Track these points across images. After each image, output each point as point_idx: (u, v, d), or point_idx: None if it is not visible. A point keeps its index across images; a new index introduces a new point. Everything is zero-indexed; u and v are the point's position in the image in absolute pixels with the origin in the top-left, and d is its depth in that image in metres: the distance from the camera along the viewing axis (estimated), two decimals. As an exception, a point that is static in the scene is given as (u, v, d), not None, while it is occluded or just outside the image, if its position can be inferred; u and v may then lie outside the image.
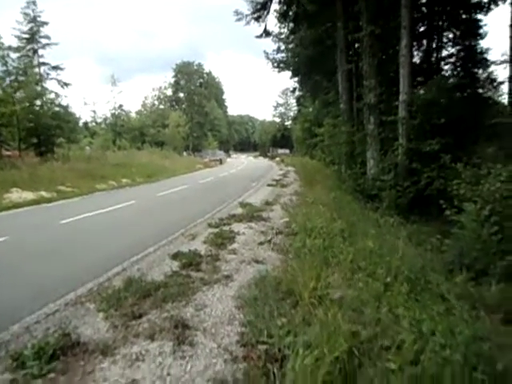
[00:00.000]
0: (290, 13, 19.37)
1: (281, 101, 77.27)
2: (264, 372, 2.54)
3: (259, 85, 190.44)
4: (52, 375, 2.63)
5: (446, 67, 16.74)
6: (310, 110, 39.74)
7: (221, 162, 45.05)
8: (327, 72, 21.10)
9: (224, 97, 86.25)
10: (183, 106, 69.41)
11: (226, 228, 7.23)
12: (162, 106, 68.37)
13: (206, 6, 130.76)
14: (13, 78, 23.71)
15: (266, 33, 20.43)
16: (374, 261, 4.31)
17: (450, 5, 15.53)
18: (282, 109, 77.05)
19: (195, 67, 73.38)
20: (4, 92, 21.66)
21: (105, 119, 51.32)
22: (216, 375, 2.61)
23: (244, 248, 5.86)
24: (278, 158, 49.30)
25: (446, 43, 16.36)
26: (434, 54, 16.37)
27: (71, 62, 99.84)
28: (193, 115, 65.10)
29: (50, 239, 7.64)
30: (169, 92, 72.11)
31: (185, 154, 51.71)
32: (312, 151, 41.17)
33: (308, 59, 22.39)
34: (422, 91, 13.49)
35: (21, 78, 24.23)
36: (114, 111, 50.41)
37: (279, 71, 27.85)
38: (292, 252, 5.31)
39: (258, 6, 18.18)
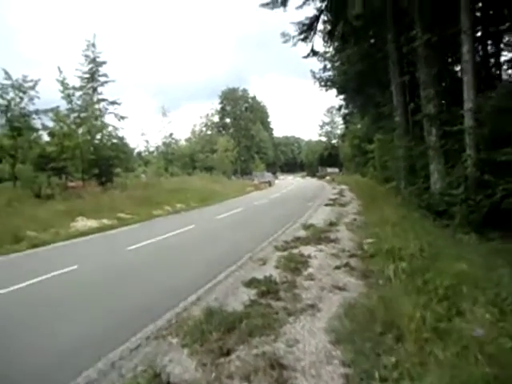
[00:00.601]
0: (336, 32, 19.24)
1: (326, 119, 76.90)
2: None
3: (303, 105, 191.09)
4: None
5: (510, 72, 15.63)
6: (359, 126, 38.97)
7: (270, 183, 44.98)
8: (378, 86, 20.54)
9: (269, 119, 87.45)
10: (230, 130, 71.07)
11: (295, 251, 6.92)
12: (209, 132, 70.49)
13: (249, 33, 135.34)
14: (76, 115, 25.55)
15: (313, 52, 20.41)
16: (479, 285, 3.76)
17: (508, 7, 14.57)
18: (328, 127, 76.55)
19: (240, 93, 75.32)
20: (69, 128, 23.28)
21: (157, 148, 53.70)
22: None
23: (320, 273, 5.50)
24: (328, 177, 48.38)
25: (503, 48, 15.24)
26: (492, 60, 15.32)
27: (126, 95, 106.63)
28: (240, 139, 66.37)
29: (118, 267, 7.76)
30: (215, 118, 74.35)
31: (233, 177, 52.43)
32: (363, 169, 40.14)
33: (357, 75, 21.99)
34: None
35: (83, 115, 26.05)
36: (164, 140, 52.68)
37: (326, 90, 27.72)
38: (374, 277, 4.85)
39: (305, 27, 18.25)
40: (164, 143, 53.21)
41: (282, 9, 16.99)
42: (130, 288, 6.00)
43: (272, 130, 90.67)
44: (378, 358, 2.75)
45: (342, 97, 31.76)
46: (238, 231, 11.46)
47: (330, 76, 26.85)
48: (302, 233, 9.06)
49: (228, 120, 74.00)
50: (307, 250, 7.06)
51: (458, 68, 15.11)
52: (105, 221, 16.36)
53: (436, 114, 13.06)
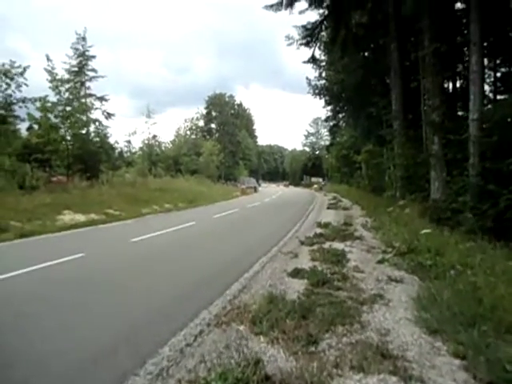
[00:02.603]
0: (338, 39, 19.34)
1: (311, 130, 77.61)
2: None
3: (287, 116, 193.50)
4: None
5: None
6: (345, 138, 39.37)
7: (255, 189, 44.81)
8: (375, 96, 20.68)
9: (254, 127, 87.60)
10: (215, 136, 70.61)
11: (326, 246, 6.61)
12: (193, 136, 69.75)
13: (234, 41, 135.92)
14: (62, 108, 24.58)
15: (313, 59, 20.48)
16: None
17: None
18: (312, 138, 77.23)
19: (227, 98, 75.13)
20: (56, 119, 22.38)
21: (140, 148, 52.55)
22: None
23: (366, 266, 5.21)
24: (315, 186, 48.67)
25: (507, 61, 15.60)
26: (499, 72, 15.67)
27: (109, 95, 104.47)
28: (225, 144, 65.92)
29: (129, 255, 7.47)
30: (201, 123, 73.76)
31: (219, 182, 51.94)
32: (349, 179, 40.51)
33: (353, 84, 22.16)
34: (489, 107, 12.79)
35: (68, 108, 25.11)
36: (148, 141, 51.61)
37: (320, 98, 27.90)
38: (421, 271, 4.60)
39: (307, 32, 18.25)
40: (147, 145, 52.20)
41: (287, 11, 16.88)
42: (156, 277, 5.58)
43: (256, 137, 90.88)
44: (488, 350, 2.47)
45: (329, 108, 32.21)
46: (245, 230, 11.19)
47: (324, 84, 27.03)
48: (321, 230, 8.80)
49: (213, 125, 73.55)
50: (336, 245, 6.80)
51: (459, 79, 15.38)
52: (93, 215, 15.68)
53: (440, 122, 13.15)
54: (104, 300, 4.57)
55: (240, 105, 79.02)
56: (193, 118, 73.00)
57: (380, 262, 5.55)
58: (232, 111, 75.43)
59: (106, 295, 4.77)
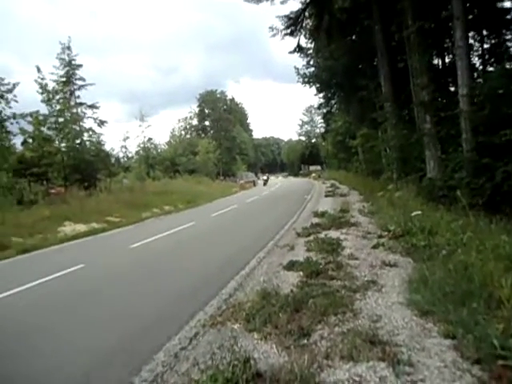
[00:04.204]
0: (322, 26, 19.20)
1: (305, 119, 77.33)
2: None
3: (280, 107, 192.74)
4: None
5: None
6: (339, 124, 39.20)
7: (254, 183, 44.82)
8: (364, 79, 20.56)
9: (248, 121, 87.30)
10: (210, 133, 70.42)
11: (321, 235, 6.65)
12: (188, 136, 69.57)
13: (220, 37, 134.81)
14: (54, 119, 24.54)
15: (299, 48, 20.34)
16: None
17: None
18: (307, 127, 77.00)
19: (218, 95, 74.74)
20: (49, 132, 22.42)
21: (136, 153, 52.47)
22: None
23: (361, 252, 5.26)
24: (314, 174, 48.67)
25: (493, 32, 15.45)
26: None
27: (100, 102, 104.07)
28: (221, 141, 65.75)
29: (128, 261, 7.55)
30: (194, 121, 73.54)
31: (218, 179, 51.95)
32: (347, 164, 40.39)
33: (342, 69, 22.05)
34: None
35: (60, 119, 25.05)
36: (143, 145, 51.50)
37: (310, 86, 27.77)
38: (416, 253, 4.63)
39: (291, 21, 18.12)
40: (143, 148, 52.10)
41: (268, 2, 16.78)
42: (145, 285, 5.63)
43: (251, 131, 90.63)
44: (478, 327, 2.50)
45: (321, 95, 32.00)
46: (244, 226, 11.25)
47: (313, 72, 26.88)
48: (317, 220, 8.83)
49: (207, 123, 73.32)
50: (332, 233, 6.84)
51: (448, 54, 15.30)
52: (94, 224, 15.71)
53: (430, 100, 13.10)
54: (102, 308, 4.67)
55: (232, 100, 78.70)
56: (186, 118, 72.90)
57: (375, 247, 5.58)
58: (225, 107, 75.09)
59: (105, 303, 4.87)
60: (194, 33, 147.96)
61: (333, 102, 32.93)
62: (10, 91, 19.15)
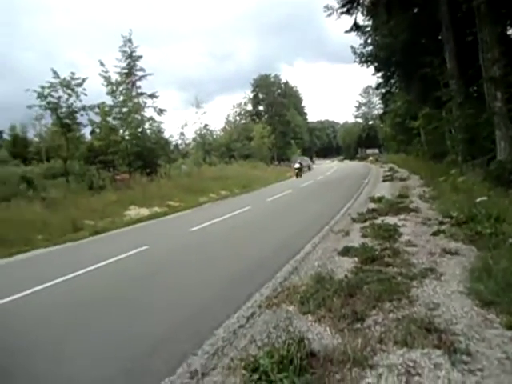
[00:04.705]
0: (381, 1, 18.21)
1: (362, 100, 74.50)
2: None
3: (335, 89, 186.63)
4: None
5: None
6: (398, 104, 37.28)
7: (309, 168, 44.28)
8: (427, 55, 19.29)
9: (303, 104, 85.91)
10: (264, 118, 70.43)
11: (377, 221, 6.54)
12: (243, 121, 70.19)
13: (273, 21, 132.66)
14: (118, 109, 26.10)
15: (356, 26, 19.55)
16: None
17: None
18: (364, 108, 74.16)
19: (272, 79, 74.21)
20: (114, 120, 23.95)
21: (194, 139, 54.16)
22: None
23: (420, 239, 5.13)
24: (371, 158, 47.01)
25: None
26: None
27: (157, 90, 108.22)
28: (275, 125, 65.59)
29: (188, 243, 7.97)
30: (249, 107, 73.81)
31: (273, 164, 52.10)
32: (407, 147, 38.47)
33: (402, 46, 20.84)
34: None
35: (124, 109, 26.56)
36: (200, 131, 52.96)
37: (368, 66, 26.65)
38: (480, 240, 4.41)
39: (347, -1, 17.42)
40: (200, 135, 53.63)
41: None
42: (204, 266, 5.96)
43: (306, 114, 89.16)
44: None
45: (380, 74, 30.52)
46: (299, 210, 11.31)
47: (371, 51, 25.72)
48: (374, 205, 8.65)
49: (261, 107, 73.29)
50: (389, 219, 6.68)
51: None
52: (156, 208, 16.64)
53: (501, 76, 12.02)
54: (167, 286, 5.06)
55: (286, 83, 77.71)
56: (241, 103, 73.26)
57: (435, 234, 5.37)
58: (279, 91, 74.45)
59: (170, 281, 5.29)
60: (247, 18, 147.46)
61: (392, 81, 31.29)
62: (79, 85, 20.63)
